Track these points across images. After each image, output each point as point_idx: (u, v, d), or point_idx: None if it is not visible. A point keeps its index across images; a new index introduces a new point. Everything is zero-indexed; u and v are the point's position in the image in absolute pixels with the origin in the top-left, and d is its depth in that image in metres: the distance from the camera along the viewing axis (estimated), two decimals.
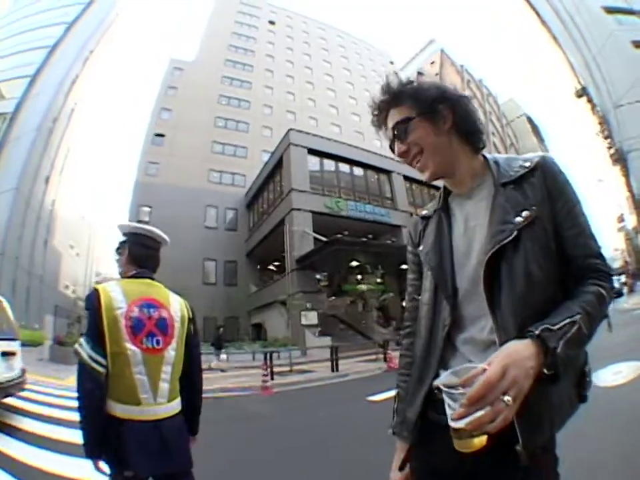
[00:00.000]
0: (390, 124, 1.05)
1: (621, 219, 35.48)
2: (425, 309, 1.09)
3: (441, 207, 1.13)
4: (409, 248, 1.24)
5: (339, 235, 18.60)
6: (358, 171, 23.68)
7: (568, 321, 0.81)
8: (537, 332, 0.78)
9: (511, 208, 0.96)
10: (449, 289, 1.02)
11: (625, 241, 56.59)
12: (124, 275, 1.85)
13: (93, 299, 1.61)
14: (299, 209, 20.57)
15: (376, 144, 28.56)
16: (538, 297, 0.90)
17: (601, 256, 0.96)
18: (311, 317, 18.87)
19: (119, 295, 1.65)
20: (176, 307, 1.85)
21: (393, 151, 1.08)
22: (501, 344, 0.85)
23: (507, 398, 0.69)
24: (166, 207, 27.15)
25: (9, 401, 5.46)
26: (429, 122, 1.02)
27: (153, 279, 1.88)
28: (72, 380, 8.45)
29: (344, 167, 23.37)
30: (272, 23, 44.34)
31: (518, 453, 0.83)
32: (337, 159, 23.08)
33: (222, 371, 12.94)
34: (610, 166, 27.20)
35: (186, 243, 26.52)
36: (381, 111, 1.07)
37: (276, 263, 27.31)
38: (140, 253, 1.89)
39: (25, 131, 28.57)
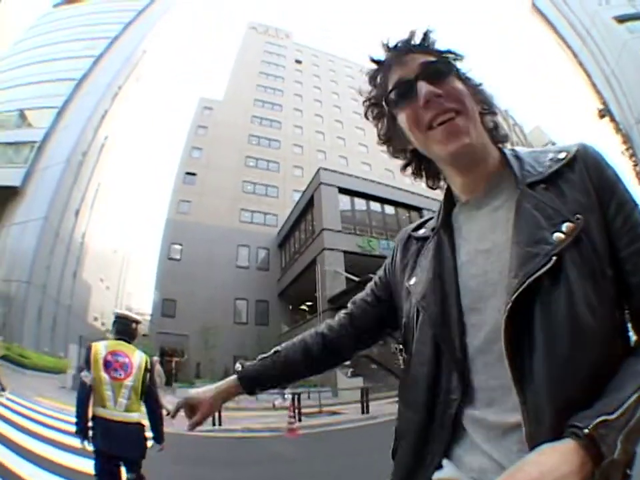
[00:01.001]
0: (419, 59, 0.78)
1: None
2: (422, 373, 0.78)
3: (442, 224, 0.86)
4: (385, 269, 1.01)
5: (371, 275, 18.24)
6: (389, 209, 23.50)
7: (634, 398, 0.55)
8: (586, 430, 0.53)
9: (544, 219, 0.68)
10: (457, 350, 0.73)
11: None
12: (112, 338, 3.22)
13: (88, 350, 2.99)
14: (330, 249, 20.43)
15: (406, 181, 28.37)
16: (589, 357, 0.62)
17: None
18: None
19: (102, 348, 2.99)
20: (137, 359, 3.09)
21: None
22: (529, 435, 0.61)
23: None
24: (197, 245, 27.56)
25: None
26: (465, 84, 0.79)
27: (127, 341, 3.16)
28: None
29: (375, 206, 23.23)
30: (298, 62, 45.32)
31: None
32: (368, 197, 22.96)
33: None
34: (637, 186, 26.31)
35: (217, 281, 26.80)
36: (394, 55, 0.80)
37: (308, 303, 27.04)
38: (118, 328, 3.20)
39: (53, 162, 29.20)
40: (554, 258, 0.64)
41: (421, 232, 0.93)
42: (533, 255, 0.65)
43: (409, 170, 0.92)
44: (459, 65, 0.81)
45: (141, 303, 52.94)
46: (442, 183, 0.89)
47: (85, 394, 2.87)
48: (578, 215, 0.67)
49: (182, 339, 26.06)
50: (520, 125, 72.45)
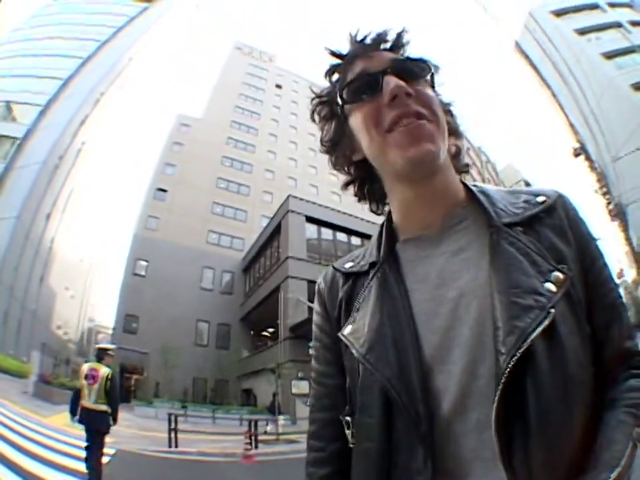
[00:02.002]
0: (379, 59, 0.67)
1: (620, 274, 35.40)
2: (371, 450, 0.60)
3: (385, 257, 0.70)
4: (318, 322, 0.78)
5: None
6: (355, 241, 23.56)
7: (628, 453, 0.51)
8: None
9: (530, 265, 0.58)
10: (423, 420, 0.56)
11: (626, 295, 56.50)
12: (93, 360, 5.33)
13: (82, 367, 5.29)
14: (294, 277, 20.43)
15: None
16: (582, 416, 0.55)
17: (635, 335, 0.64)
18: (303, 386, 18.41)
19: (86, 367, 5.07)
20: (102, 373, 4.97)
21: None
22: None
23: None
24: (163, 263, 27.33)
25: None
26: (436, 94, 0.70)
27: (99, 362, 5.14)
28: (53, 419, 9.10)
29: (341, 236, 23.40)
30: (279, 86, 45.69)
31: None
32: (335, 227, 23.14)
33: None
34: (608, 222, 27.01)
35: (180, 301, 26.47)
36: (360, 49, 0.69)
37: (270, 330, 26.89)
38: (96, 354, 5.35)
39: (31, 162, 28.45)
40: (552, 311, 0.54)
41: (348, 266, 0.76)
42: (526, 308, 0.54)
43: (351, 189, 0.79)
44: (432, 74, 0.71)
45: (104, 316, 51.68)
46: (387, 207, 0.77)
47: (76, 393, 5.11)
48: (564, 266, 0.59)
49: (142, 357, 25.56)
50: (493, 162, 74.52)
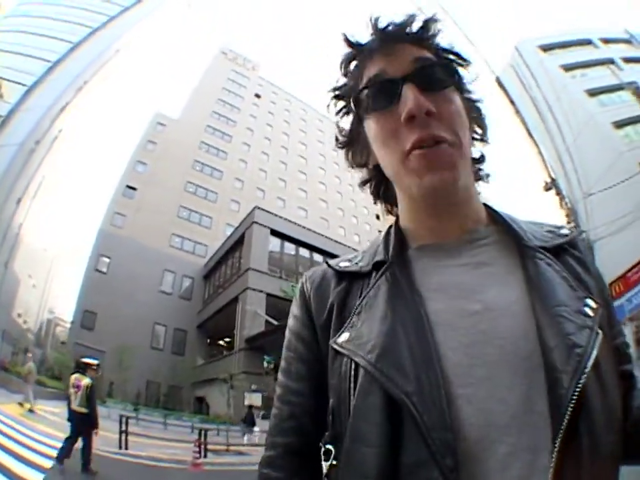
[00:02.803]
0: (402, 57, 0.59)
1: None
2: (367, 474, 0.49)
3: (396, 259, 0.62)
4: (295, 328, 0.67)
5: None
6: (318, 258, 23.72)
7: None
8: None
9: (571, 289, 0.55)
10: (451, 449, 0.45)
11: None
12: (80, 372, 6.61)
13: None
14: (254, 289, 20.51)
15: (340, 232, 29.25)
16: (619, 450, 0.50)
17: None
18: (255, 399, 18.45)
19: (73, 378, 6.47)
20: (84, 382, 6.25)
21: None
22: None
23: None
24: (125, 261, 26.92)
25: None
26: (464, 100, 0.64)
27: (82, 373, 6.48)
28: (7, 407, 9.73)
29: (304, 252, 23.60)
30: (258, 96, 45.51)
31: None
32: (299, 243, 23.32)
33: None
34: None
35: (139, 302, 26.14)
36: (380, 40, 0.61)
37: (226, 339, 26.81)
38: (79, 367, 6.78)
39: (10, 142, 27.82)
40: (600, 332, 0.50)
41: (344, 264, 0.67)
42: (581, 327, 0.50)
43: (368, 188, 0.75)
44: (462, 71, 0.64)
45: (64, 309, 50.36)
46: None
47: (68, 399, 6.42)
48: (594, 296, 0.56)
49: (98, 354, 25.00)
50: None
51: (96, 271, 27.55)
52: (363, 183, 0.75)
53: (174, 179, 32.55)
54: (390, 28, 0.60)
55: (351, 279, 0.64)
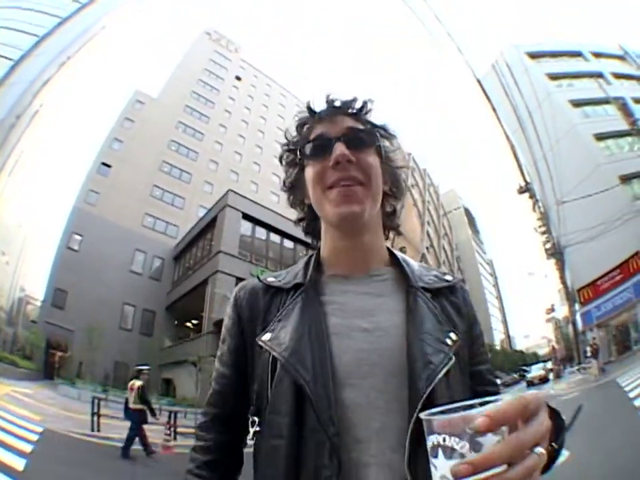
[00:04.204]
0: (347, 122, 0.82)
1: (550, 310, 37.24)
2: (280, 447, 0.68)
3: (312, 282, 0.81)
4: (229, 326, 0.86)
5: None
6: (288, 243, 23.76)
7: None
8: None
9: (437, 322, 0.76)
10: (333, 421, 0.65)
11: (555, 329, 59.18)
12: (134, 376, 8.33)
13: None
14: (223, 272, 20.41)
15: None
16: None
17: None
18: None
19: (130, 383, 8.01)
20: (136, 385, 7.72)
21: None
22: None
23: (538, 449, 0.46)
24: (97, 240, 26.42)
25: None
26: (383, 161, 0.84)
27: (137, 378, 8.03)
28: None
29: (275, 238, 23.52)
30: (238, 78, 45.05)
31: None
32: (270, 228, 23.23)
33: None
34: (544, 260, 27.83)
35: (110, 282, 25.85)
36: (328, 111, 0.83)
37: (194, 322, 26.64)
38: (134, 374, 8.53)
39: None
40: (452, 357, 0.71)
41: (271, 280, 0.86)
42: (437, 350, 0.70)
43: (301, 224, 0.95)
44: (386, 142, 0.86)
45: (35, 287, 49.46)
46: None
47: (126, 400, 7.88)
48: (458, 332, 0.76)
49: (68, 334, 24.84)
50: (436, 185, 76.50)
51: (68, 248, 27.07)
52: (298, 221, 0.96)
53: (149, 157, 32.05)
54: (337, 103, 0.83)
55: (275, 292, 0.83)
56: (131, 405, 7.66)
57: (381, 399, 0.70)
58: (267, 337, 0.76)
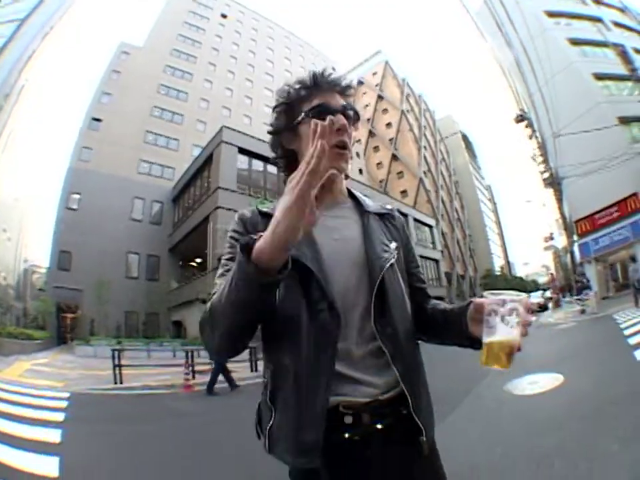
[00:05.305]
0: (340, 99, 1.07)
1: (548, 238, 37.10)
2: (294, 313, 0.94)
3: None
4: (238, 237, 1.03)
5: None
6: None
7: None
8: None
9: (382, 234, 1.09)
10: (330, 292, 0.94)
11: (554, 258, 59.67)
12: None
13: None
14: (224, 208, 20.17)
15: None
16: (408, 311, 1.07)
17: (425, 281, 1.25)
18: None
19: None
20: None
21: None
22: (392, 354, 0.96)
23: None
24: (95, 195, 26.25)
25: None
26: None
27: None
28: (7, 372, 9.90)
29: (272, 169, 23.08)
30: (224, 16, 43.98)
31: (421, 443, 0.96)
32: (266, 159, 22.72)
33: None
34: (541, 189, 27.78)
35: (111, 234, 25.82)
36: (328, 82, 1.07)
37: (198, 260, 26.66)
38: None
39: None
40: (394, 255, 1.06)
41: (266, 210, 1.08)
42: (384, 251, 1.04)
43: (278, 163, 1.17)
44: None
45: (38, 255, 49.70)
46: None
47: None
48: (398, 242, 1.12)
49: (77, 294, 24.96)
50: (432, 111, 75.33)
51: (67, 209, 26.83)
52: (275, 159, 1.17)
53: (139, 105, 31.38)
54: (330, 78, 1.07)
55: (270, 218, 0.90)
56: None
57: (352, 281, 0.99)
58: None
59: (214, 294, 0.91)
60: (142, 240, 27.11)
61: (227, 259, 1.02)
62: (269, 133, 1.14)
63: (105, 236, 25.57)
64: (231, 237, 1.06)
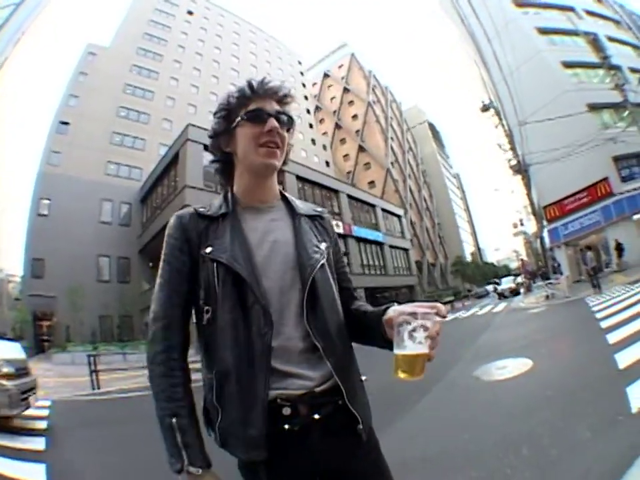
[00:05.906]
0: (275, 106, 1.10)
1: (518, 225, 37.70)
2: (230, 318, 0.98)
3: (232, 213, 1.10)
4: (177, 245, 1.06)
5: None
6: None
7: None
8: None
9: (313, 236, 1.13)
10: (263, 294, 0.99)
11: (524, 244, 60.66)
12: None
13: None
14: (191, 206, 20.00)
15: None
16: (339, 308, 1.11)
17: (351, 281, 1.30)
18: None
19: None
20: None
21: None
22: (324, 349, 1.01)
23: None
24: (64, 199, 25.97)
25: None
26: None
27: None
28: None
29: None
30: (190, 12, 43.73)
31: (359, 431, 1.01)
32: None
33: None
34: (509, 176, 27.99)
35: (82, 238, 25.50)
36: (265, 89, 1.11)
37: None
38: None
39: None
40: (325, 256, 1.10)
41: (202, 210, 1.10)
42: (315, 252, 1.08)
43: (215, 166, 1.18)
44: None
45: (12, 264, 48.76)
46: (228, 188, 1.16)
47: None
48: (328, 243, 1.16)
49: (51, 301, 24.58)
50: (398, 102, 75.82)
51: (38, 215, 26.46)
52: (212, 162, 1.19)
53: (105, 106, 31.01)
54: (268, 86, 1.10)
55: (207, 219, 1.07)
56: None
57: (285, 281, 1.02)
58: (209, 249, 1.02)
59: (153, 318, 1.04)
60: (112, 242, 26.83)
61: (165, 262, 1.07)
62: (209, 136, 1.15)
63: (75, 240, 25.26)
64: (168, 243, 1.08)
